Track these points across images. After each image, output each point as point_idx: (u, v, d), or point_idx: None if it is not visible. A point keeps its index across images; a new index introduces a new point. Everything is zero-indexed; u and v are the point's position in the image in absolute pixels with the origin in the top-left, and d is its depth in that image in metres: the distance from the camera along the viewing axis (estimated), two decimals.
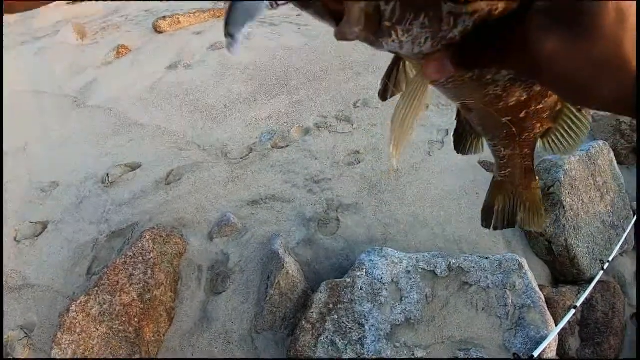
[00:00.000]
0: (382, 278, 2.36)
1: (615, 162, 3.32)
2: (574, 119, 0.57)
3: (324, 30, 6.33)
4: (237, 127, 4.03)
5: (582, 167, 3.06)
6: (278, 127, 3.97)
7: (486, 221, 0.80)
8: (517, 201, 0.74)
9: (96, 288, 2.42)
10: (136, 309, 2.40)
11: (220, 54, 5.52)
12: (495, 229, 0.79)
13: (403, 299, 2.30)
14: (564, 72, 0.37)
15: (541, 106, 0.54)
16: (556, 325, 2.22)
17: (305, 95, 4.46)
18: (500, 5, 0.36)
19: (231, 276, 2.67)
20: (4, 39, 8.34)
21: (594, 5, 0.33)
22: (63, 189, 3.51)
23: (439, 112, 4.23)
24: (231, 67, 5.12)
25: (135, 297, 2.43)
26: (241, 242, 2.84)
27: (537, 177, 0.70)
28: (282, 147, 3.71)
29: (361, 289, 2.32)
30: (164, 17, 6.78)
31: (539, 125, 0.58)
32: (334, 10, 0.35)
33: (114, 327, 2.33)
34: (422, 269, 2.39)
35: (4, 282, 2.82)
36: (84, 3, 11.33)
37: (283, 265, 2.48)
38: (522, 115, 0.55)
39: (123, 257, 2.56)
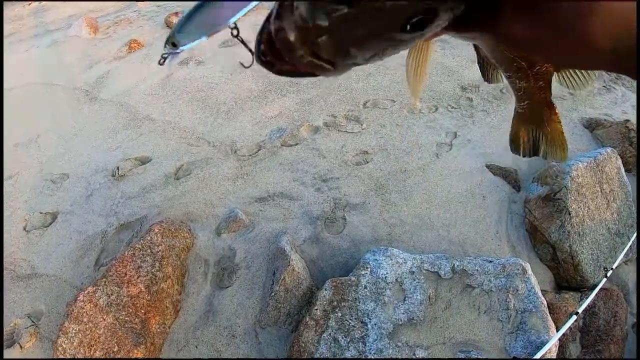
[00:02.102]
0: (386, 278, 2.38)
1: (622, 170, 3.32)
2: None
3: None
4: (247, 124, 4.06)
5: (590, 173, 3.06)
6: (287, 125, 4.00)
7: (515, 149, 0.82)
8: (539, 133, 0.75)
9: (104, 279, 2.45)
10: (143, 301, 2.43)
11: (232, 51, 5.55)
12: (524, 156, 0.81)
13: (406, 299, 2.32)
14: (530, 48, 0.42)
15: None
16: (557, 331, 2.23)
17: (315, 94, 4.48)
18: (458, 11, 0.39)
19: (237, 271, 2.70)
20: (17, 30, 8.41)
21: (556, 4, 0.36)
22: (73, 180, 3.55)
23: (447, 114, 4.23)
24: None
25: (142, 288, 2.46)
26: (248, 238, 2.87)
27: (557, 111, 0.72)
28: (291, 145, 3.73)
29: (365, 288, 2.35)
30: (176, 13, 6.82)
31: None
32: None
33: (121, 317, 2.36)
34: (426, 270, 2.41)
35: (13, 270, 2.87)
36: None
37: (289, 262, 2.51)
38: None
39: (131, 249, 2.59)
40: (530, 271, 2.41)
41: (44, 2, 11.72)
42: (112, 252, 2.87)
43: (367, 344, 2.18)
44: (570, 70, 0.60)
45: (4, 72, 5.42)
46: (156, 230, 2.70)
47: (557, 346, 2.24)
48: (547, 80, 0.63)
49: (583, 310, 2.47)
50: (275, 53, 0.39)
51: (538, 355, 2.08)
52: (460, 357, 2.15)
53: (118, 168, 3.55)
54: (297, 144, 3.75)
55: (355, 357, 2.16)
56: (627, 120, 4.06)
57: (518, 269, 2.38)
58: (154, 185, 3.34)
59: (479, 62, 0.72)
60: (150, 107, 4.44)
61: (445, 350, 2.19)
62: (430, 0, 0.35)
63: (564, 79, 0.62)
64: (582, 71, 0.59)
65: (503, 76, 0.68)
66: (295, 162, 3.53)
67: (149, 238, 2.65)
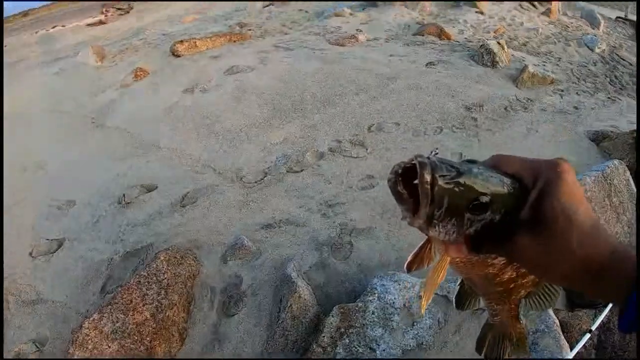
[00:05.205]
0: (394, 303, 2.36)
1: (631, 181, 3.23)
2: (549, 287, 0.79)
3: (339, 55, 6.41)
4: (252, 151, 4.08)
5: (598, 187, 3.01)
6: (293, 152, 4.01)
7: (478, 349, 1.01)
8: (504, 338, 0.96)
9: (109, 306, 2.44)
10: (148, 328, 2.42)
11: (236, 78, 5.60)
12: (485, 356, 1.00)
13: (415, 323, 2.29)
14: (532, 260, 0.60)
15: (525, 280, 0.76)
16: (571, 350, 2.20)
17: (320, 119, 4.51)
18: (497, 217, 0.60)
19: (244, 299, 2.68)
20: (26, 57, 8.52)
21: (551, 219, 0.55)
22: (80, 207, 3.56)
23: (452, 135, 4.25)
24: (247, 91, 5.19)
25: (148, 316, 2.44)
26: (255, 265, 2.86)
27: (521, 322, 0.92)
28: (297, 172, 3.74)
29: (373, 314, 2.32)
30: (182, 41, 6.91)
31: (523, 291, 0.80)
32: (413, 208, 0.58)
33: (126, 345, 2.34)
34: (434, 293, 2.39)
35: (18, 296, 2.86)
36: (103, 26, 11.60)
37: (295, 288, 2.49)
38: (511, 286, 0.77)
39: (137, 276, 2.59)
40: None
41: (51, 30, 11.94)
42: (118, 279, 2.86)
43: None
44: (537, 298, 0.81)
45: (12, 98, 5.48)
46: (162, 258, 2.69)
47: None
48: (517, 304, 0.85)
49: (597, 327, 2.42)
50: (411, 225, 0.59)
51: None
52: None
53: (124, 195, 3.56)
54: (302, 170, 3.76)
55: None
56: (634, 131, 4.02)
57: None
58: (160, 213, 3.35)
59: (457, 294, 0.92)
60: (156, 135, 4.47)
61: None
62: (484, 195, 0.57)
63: (530, 303, 0.83)
64: (547, 298, 0.79)
65: (482, 301, 0.90)
66: (301, 188, 3.53)
67: (154, 266, 2.64)
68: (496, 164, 0.63)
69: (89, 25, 12.00)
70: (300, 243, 3.02)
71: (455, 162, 0.60)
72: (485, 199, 0.58)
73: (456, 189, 0.57)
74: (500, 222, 0.60)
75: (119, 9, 13.78)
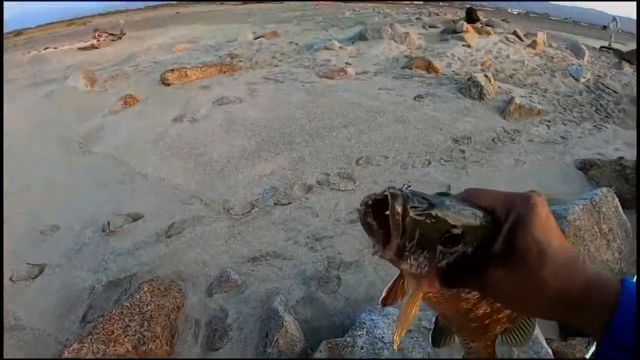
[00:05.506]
0: (383, 337, 2.32)
1: (620, 208, 3.27)
2: (525, 322, 0.78)
3: (328, 88, 6.45)
4: (240, 183, 4.06)
5: (587, 215, 3.01)
6: (280, 184, 4.01)
7: None
8: None
9: (90, 336, 2.37)
10: None
11: (225, 109, 5.61)
12: None
13: (405, 358, 2.26)
14: (505, 293, 0.59)
15: (501, 315, 0.75)
16: None
17: (308, 152, 4.51)
18: (469, 250, 0.59)
19: (229, 332, 2.63)
20: (17, 77, 8.50)
21: (525, 252, 0.55)
22: (63, 233, 3.51)
23: (440, 167, 4.28)
24: (236, 122, 5.20)
25: (129, 348, 2.38)
26: (240, 299, 2.81)
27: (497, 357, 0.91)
28: (284, 204, 3.73)
29: (362, 349, 2.28)
30: (172, 70, 6.94)
31: (499, 327, 0.79)
32: (384, 240, 0.57)
33: None
34: (424, 327, 2.36)
35: None
36: (94, 51, 11.63)
37: (282, 323, 2.45)
38: (487, 322, 0.76)
39: (119, 307, 2.53)
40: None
41: (43, 51, 11.95)
42: (100, 309, 2.79)
43: None
44: (514, 333, 0.80)
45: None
46: (145, 289, 2.64)
47: None
48: (493, 340, 0.84)
49: (590, 356, 2.40)
50: (382, 257, 0.59)
51: None
52: None
53: (109, 223, 3.51)
54: (290, 203, 3.74)
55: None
56: (621, 158, 4.06)
57: None
58: (145, 243, 3.30)
59: (433, 332, 0.92)
60: (144, 163, 4.45)
61: None
62: (456, 228, 0.57)
63: (506, 338, 0.82)
64: (523, 333, 0.79)
65: (457, 339, 0.90)
66: (289, 221, 3.51)
67: (138, 297, 2.59)
68: (469, 197, 0.64)
69: (80, 49, 12.04)
70: (287, 277, 2.98)
71: (427, 194, 0.59)
72: (457, 231, 0.58)
73: (428, 221, 0.57)
74: (472, 255, 0.60)
75: (111, 34, 13.85)
